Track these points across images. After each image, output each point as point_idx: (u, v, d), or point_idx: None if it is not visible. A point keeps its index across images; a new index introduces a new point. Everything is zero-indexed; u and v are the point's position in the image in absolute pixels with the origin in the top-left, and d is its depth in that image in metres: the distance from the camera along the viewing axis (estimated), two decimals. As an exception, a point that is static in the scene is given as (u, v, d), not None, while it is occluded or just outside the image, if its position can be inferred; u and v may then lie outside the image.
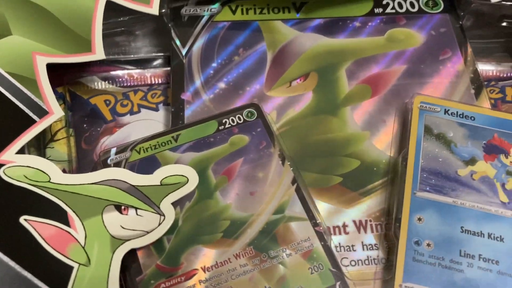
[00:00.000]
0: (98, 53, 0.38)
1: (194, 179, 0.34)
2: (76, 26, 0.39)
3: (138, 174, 0.34)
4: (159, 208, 0.33)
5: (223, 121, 0.37)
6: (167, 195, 0.33)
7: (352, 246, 0.35)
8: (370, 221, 0.36)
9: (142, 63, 0.44)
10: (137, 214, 0.33)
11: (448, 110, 0.38)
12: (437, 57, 0.42)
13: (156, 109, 0.41)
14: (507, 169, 0.36)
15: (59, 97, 0.42)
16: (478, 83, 0.41)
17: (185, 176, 0.34)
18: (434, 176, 0.35)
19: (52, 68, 0.38)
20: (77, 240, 0.32)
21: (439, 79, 0.41)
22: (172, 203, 0.33)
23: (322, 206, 0.36)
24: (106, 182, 0.33)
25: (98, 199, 0.33)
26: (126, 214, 0.33)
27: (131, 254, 0.32)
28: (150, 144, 0.36)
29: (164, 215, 0.33)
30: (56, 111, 0.36)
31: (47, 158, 0.38)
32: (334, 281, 0.32)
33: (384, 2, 0.44)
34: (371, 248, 0.35)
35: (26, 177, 0.33)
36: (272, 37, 0.43)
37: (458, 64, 0.42)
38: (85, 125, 0.40)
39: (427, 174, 0.35)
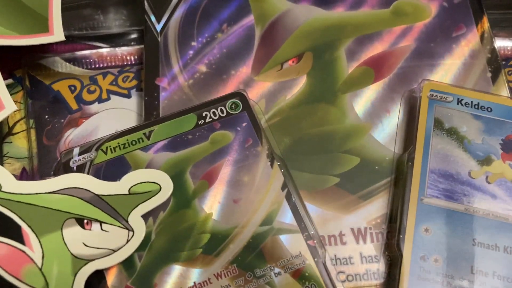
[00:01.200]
0: (56, 33, 0.33)
1: (168, 187, 0.29)
2: (32, 2, 0.33)
3: (102, 181, 0.29)
4: (127, 222, 0.28)
5: (203, 114, 0.32)
6: (136, 206, 0.29)
7: (350, 258, 0.31)
8: (370, 229, 0.32)
9: (112, 39, 0.39)
10: (101, 229, 0.28)
11: (462, 99, 0.33)
12: (450, 34, 0.36)
13: (128, 96, 0.36)
14: (528, 170, 0.31)
15: (17, 82, 0.36)
16: (496, 65, 0.36)
17: (158, 184, 0.29)
18: (444, 178, 0.31)
19: (9, 49, 0.33)
20: (33, 260, 0.28)
21: (451, 60, 0.36)
22: (144, 214, 0.29)
23: (316, 212, 0.32)
24: (66, 191, 0.29)
25: (57, 211, 0.28)
26: (89, 229, 0.28)
27: (97, 275, 0.28)
28: (118, 143, 0.31)
29: (133, 230, 0.28)
30: (8, 106, 0.31)
31: (4, 155, 0.34)
32: (328, 303, 0.28)
33: (390, -32, 0.38)
34: (370, 261, 0.31)
35: (-27, 186, 0.28)
36: (261, 8, 0.37)
37: (474, 42, 0.36)
38: (46, 116, 0.35)
39: (436, 176, 0.31)
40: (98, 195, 0.29)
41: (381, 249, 0.31)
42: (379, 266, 0.31)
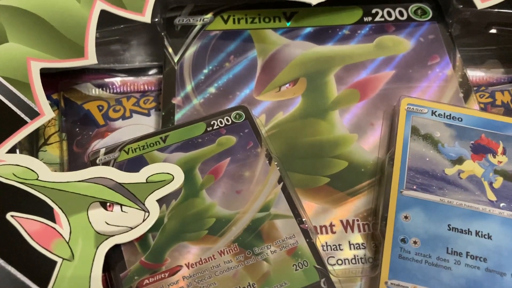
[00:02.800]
0: (91, 58, 0.39)
1: (179, 177, 0.34)
2: (70, 33, 0.40)
3: (124, 172, 0.34)
4: (144, 204, 0.33)
5: (211, 122, 0.38)
6: (152, 192, 0.33)
7: (339, 245, 0.35)
8: (358, 220, 0.36)
9: (135, 72, 0.45)
10: (122, 210, 0.33)
11: (436, 111, 0.38)
12: (425, 63, 0.42)
13: (148, 114, 0.42)
14: (494, 168, 0.35)
15: (54, 103, 0.42)
16: (467, 87, 0.41)
17: (171, 174, 0.34)
18: (421, 175, 0.35)
19: (48, 76, 0.40)
20: (61, 235, 0.32)
21: (427, 83, 0.41)
22: (159, 201, 0.34)
23: (309, 206, 0.36)
24: (93, 179, 0.34)
25: (84, 196, 0.33)
26: (111, 211, 0.33)
27: (116, 252, 0.33)
28: (138, 145, 0.37)
29: (148, 212, 0.33)
30: (47, 113, 0.36)
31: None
32: (318, 278, 0.32)
33: (373, 11, 0.45)
34: (358, 248, 0.35)
35: (15, 175, 0.33)
36: (263, 44, 0.44)
37: (447, 69, 0.42)
38: (77, 129, 0.40)
39: (414, 173, 0.35)
40: (119, 183, 0.34)
41: (368, 238, 0.35)
42: (366, 252, 0.35)
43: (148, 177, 0.34)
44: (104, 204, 0.33)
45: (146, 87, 0.44)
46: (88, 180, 0.34)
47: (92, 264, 0.31)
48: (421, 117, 0.38)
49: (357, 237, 0.35)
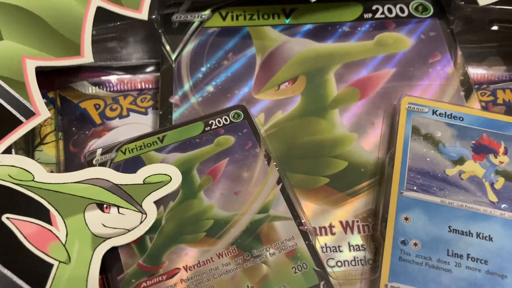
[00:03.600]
0: (87, 56, 0.39)
1: (177, 178, 0.34)
2: (66, 31, 0.40)
3: (121, 173, 0.34)
4: (141, 206, 0.33)
5: (210, 122, 0.37)
6: (149, 194, 0.33)
7: (339, 246, 0.34)
8: (357, 221, 0.35)
9: (133, 70, 0.44)
10: (119, 212, 0.32)
11: (436, 110, 0.37)
12: (426, 60, 0.42)
13: (145, 113, 0.41)
14: (496, 168, 0.35)
15: (50, 102, 0.42)
16: (468, 86, 0.40)
17: (168, 175, 0.34)
18: (422, 175, 0.35)
19: (44, 74, 0.39)
20: (58, 238, 0.31)
21: (428, 82, 0.41)
22: (156, 203, 0.33)
23: (308, 207, 0.36)
24: (89, 181, 0.33)
25: (81, 197, 0.33)
26: (108, 213, 0.32)
27: (114, 254, 0.32)
28: (135, 145, 0.36)
29: (146, 214, 0.32)
30: (43, 112, 0.36)
31: (36, 161, 0.38)
32: (318, 280, 0.31)
33: (373, 8, 0.45)
34: (358, 249, 0.34)
35: (10, 176, 0.33)
36: (261, 42, 0.43)
37: (448, 67, 0.41)
38: (74, 129, 0.40)
39: (414, 174, 0.35)
40: (116, 185, 0.33)
41: (368, 239, 0.35)
42: (366, 254, 0.34)
43: (145, 178, 0.33)
44: (101, 206, 0.32)
45: (143, 85, 0.43)
46: (84, 182, 0.33)
47: (89, 267, 0.31)
48: (422, 116, 0.37)
49: (357, 239, 0.35)
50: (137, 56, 0.45)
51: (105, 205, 0.33)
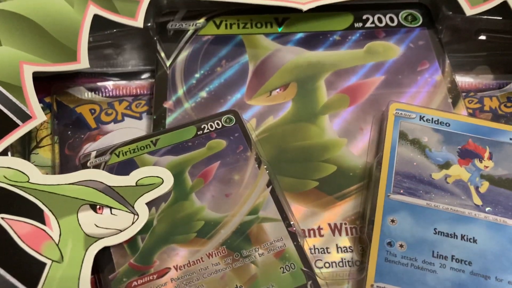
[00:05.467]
0: (83, 62, 0.39)
1: (169, 181, 0.34)
2: (63, 38, 0.41)
3: (114, 175, 0.34)
4: (133, 207, 0.33)
5: (202, 126, 0.38)
6: (141, 195, 0.34)
7: (327, 248, 0.35)
8: (345, 224, 0.36)
9: (128, 76, 0.45)
10: (111, 213, 0.33)
11: (424, 116, 0.38)
12: (415, 68, 0.43)
13: (140, 118, 0.42)
14: (481, 173, 0.36)
15: (46, 106, 0.43)
16: (456, 93, 0.41)
17: (160, 178, 0.34)
18: (408, 179, 0.36)
19: (41, 80, 0.40)
20: (51, 237, 0.32)
21: (416, 89, 0.42)
22: (148, 204, 0.34)
23: (298, 209, 0.36)
24: (83, 182, 0.34)
25: (74, 198, 0.33)
26: (101, 213, 0.33)
27: (106, 254, 0.33)
28: (129, 148, 0.37)
29: (138, 215, 0.33)
30: (39, 116, 0.37)
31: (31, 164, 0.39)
32: (305, 280, 0.32)
33: (364, 17, 0.46)
34: (345, 251, 0.35)
35: (6, 178, 0.34)
36: (254, 50, 0.44)
37: (436, 75, 0.42)
38: (69, 132, 0.41)
39: (401, 177, 0.36)
40: (109, 186, 0.34)
41: (355, 241, 0.35)
42: (353, 255, 0.35)
43: (138, 180, 0.34)
44: (94, 206, 0.33)
45: (138, 91, 0.44)
46: (78, 183, 0.34)
47: (81, 266, 0.31)
48: (409, 122, 0.38)
49: (345, 241, 0.35)
50: (133, 63, 0.46)
51: (98, 206, 0.33)
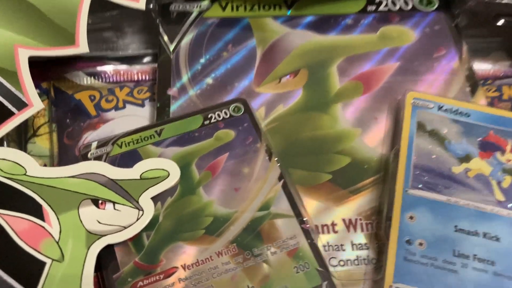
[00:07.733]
0: (82, 46, 0.37)
1: (175, 174, 0.32)
2: (60, 20, 0.38)
3: (117, 168, 0.32)
4: (137, 202, 0.31)
5: (209, 115, 0.36)
6: (146, 190, 0.32)
7: (341, 245, 0.34)
8: (360, 219, 0.34)
9: (129, 60, 0.43)
10: (114, 208, 0.31)
11: (442, 106, 0.36)
12: (431, 55, 0.41)
13: (142, 105, 0.40)
14: (503, 166, 0.34)
15: (43, 93, 0.41)
16: (474, 81, 0.40)
17: (166, 170, 0.32)
18: (427, 173, 0.34)
19: (38, 64, 0.38)
20: (51, 234, 0.30)
21: (433, 76, 0.40)
22: (153, 199, 0.32)
23: (310, 204, 0.35)
24: (84, 175, 0.32)
25: (75, 192, 0.31)
26: (103, 209, 0.31)
27: (109, 252, 0.31)
28: (132, 138, 0.35)
29: (142, 210, 0.31)
30: (36, 104, 0.35)
31: (28, 153, 0.37)
32: (320, 281, 0.30)
33: (377, 0, 0.43)
34: (361, 248, 0.33)
35: (1, 170, 0.32)
36: (262, 34, 0.42)
37: (453, 62, 0.40)
38: (68, 120, 0.39)
39: (420, 171, 0.34)
40: (112, 180, 0.32)
41: (371, 238, 0.34)
42: (369, 253, 0.33)
43: (142, 173, 0.32)
44: (95, 201, 0.31)
45: (140, 77, 0.42)
46: (79, 176, 0.32)
47: (83, 265, 0.30)
48: (427, 112, 0.36)
49: (360, 237, 0.34)
50: (134, 46, 0.43)
51: (100, 201, 0.31)
